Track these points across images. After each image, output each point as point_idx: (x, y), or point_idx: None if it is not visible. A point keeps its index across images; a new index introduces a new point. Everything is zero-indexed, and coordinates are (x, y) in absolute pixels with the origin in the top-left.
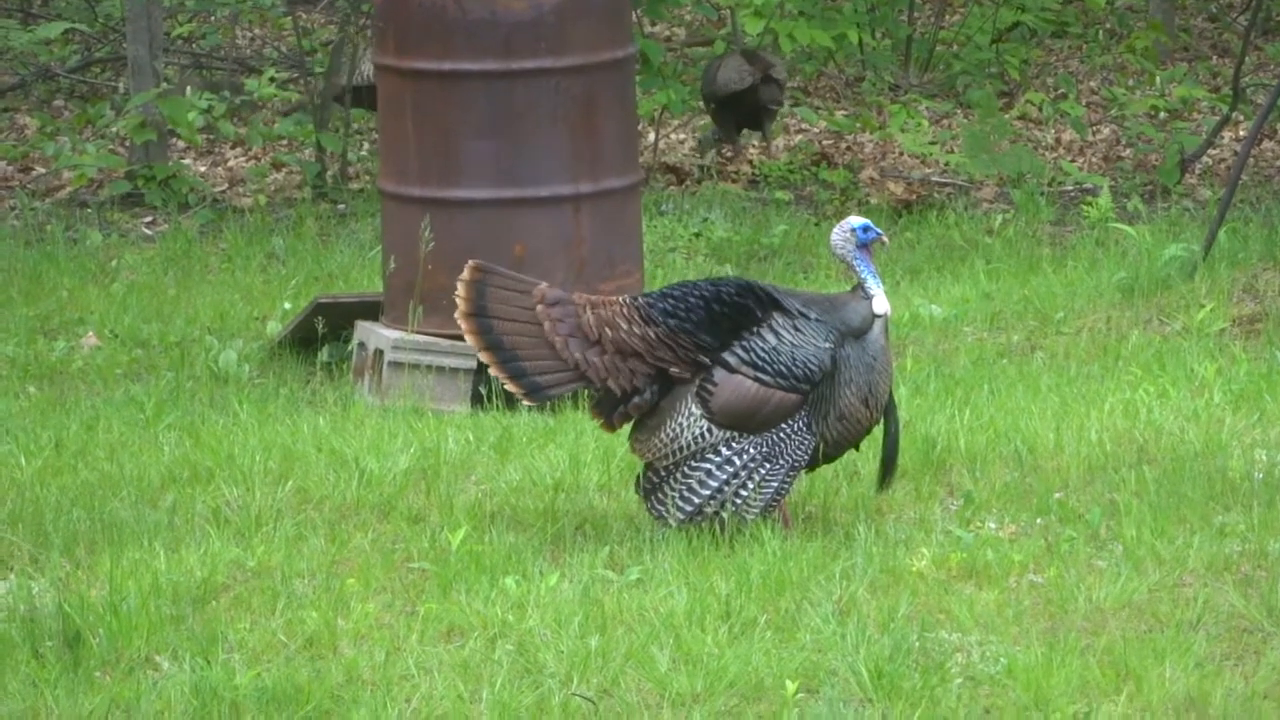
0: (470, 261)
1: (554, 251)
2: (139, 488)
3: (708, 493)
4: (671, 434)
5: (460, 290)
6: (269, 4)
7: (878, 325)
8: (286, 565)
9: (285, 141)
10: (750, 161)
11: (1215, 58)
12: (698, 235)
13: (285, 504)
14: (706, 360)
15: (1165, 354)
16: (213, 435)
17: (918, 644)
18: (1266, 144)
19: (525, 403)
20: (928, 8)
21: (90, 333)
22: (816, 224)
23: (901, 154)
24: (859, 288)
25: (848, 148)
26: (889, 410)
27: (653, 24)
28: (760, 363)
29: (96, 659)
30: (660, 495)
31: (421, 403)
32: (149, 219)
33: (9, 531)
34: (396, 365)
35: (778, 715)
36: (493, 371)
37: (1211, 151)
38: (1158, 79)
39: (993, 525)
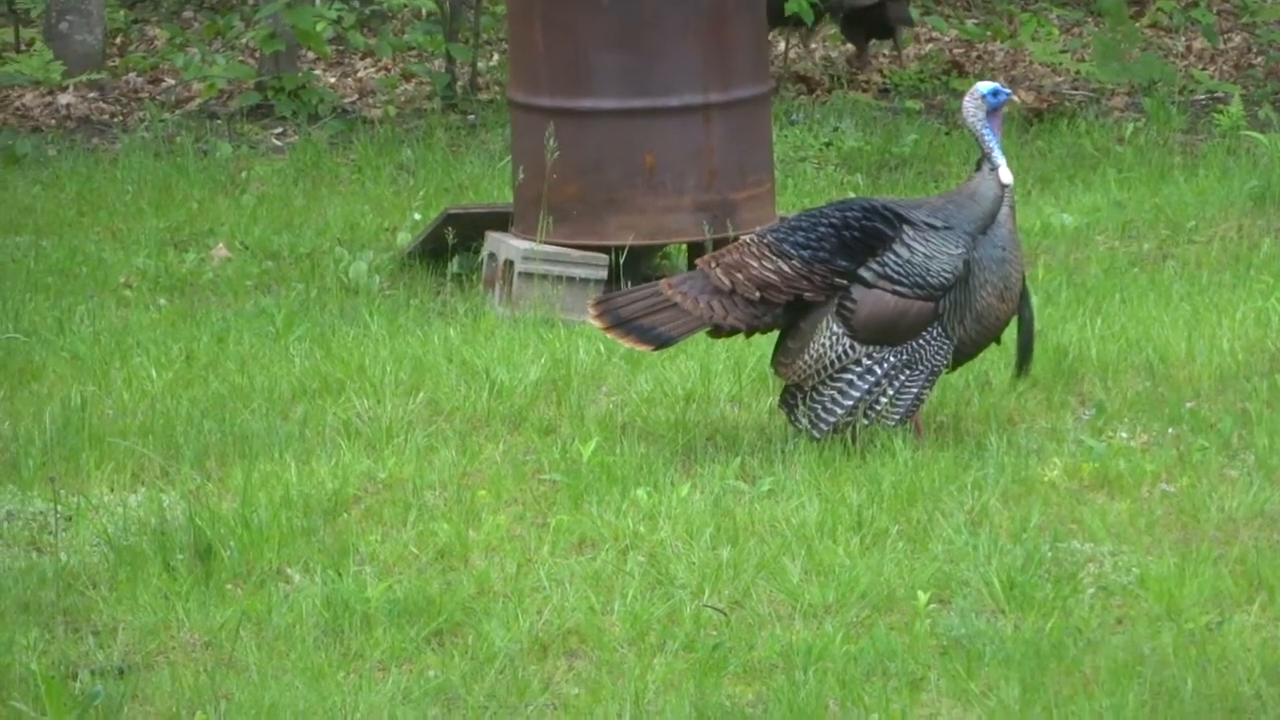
0: (589, 302)
1: (684, 161)
2: (269, 400)
3: (850, 403)
4: (816, 354)
5: (594, 323)
6: None
7: (1005, 208)
8: (417, 477)
9: (415, 52)
10: (880, 71)
11: None
12: (828, 145)
13: (416, 415)
14: (844, 283)
15: None
16: (343, 347)
17: (1050, 554)
18: None
19: (651, 352)
20: None
21: (220, 244)
22: (947, 133)
23: (1032, 63)
24: (984, 160)
25: (978, 56)
26: (1023, 297)
27: None
28: (896, 275)
29: (228, 571)
30: (803, 408)
31: (552, 313)
32: (278, 130)
33: (140, 444)
34: (527, 276)
35: (910, 626)
36: (623, 342)
37: None
38: None
39: (1124, 435)
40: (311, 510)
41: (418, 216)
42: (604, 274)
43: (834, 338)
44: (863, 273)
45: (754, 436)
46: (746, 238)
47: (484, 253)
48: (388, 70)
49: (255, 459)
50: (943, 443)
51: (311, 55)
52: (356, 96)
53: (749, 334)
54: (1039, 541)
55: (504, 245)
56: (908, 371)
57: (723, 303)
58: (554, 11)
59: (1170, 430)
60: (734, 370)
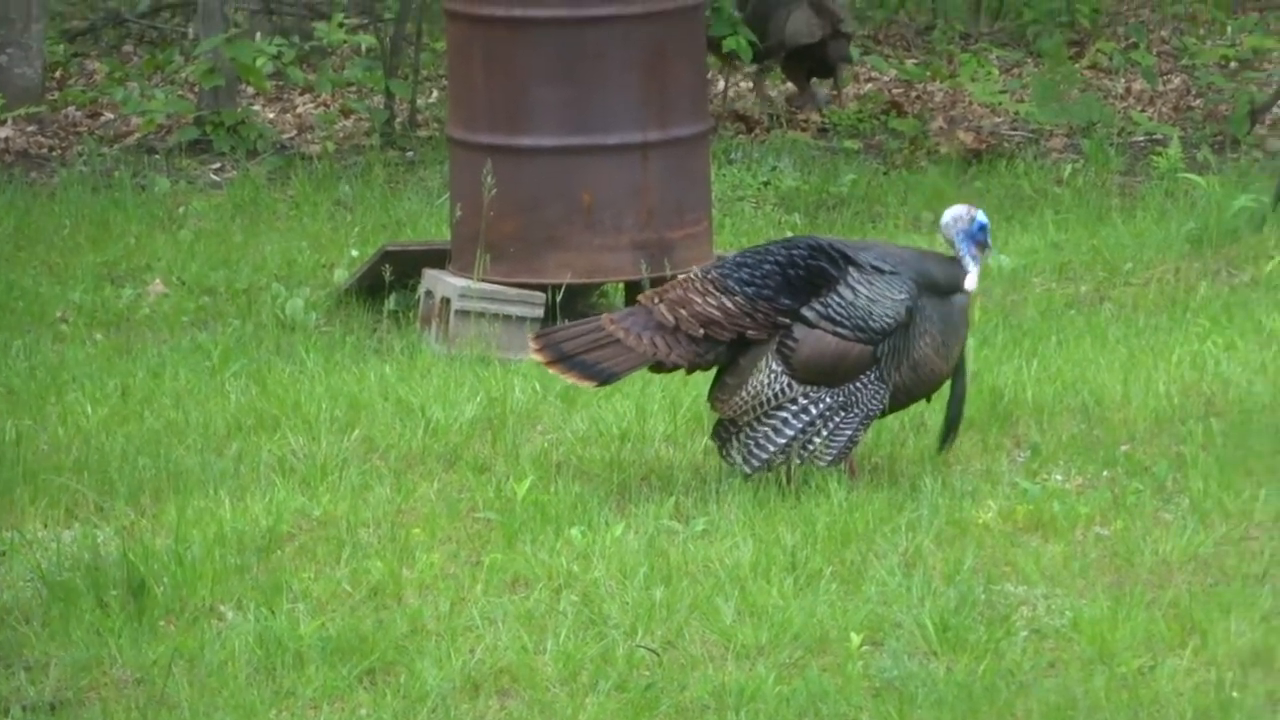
0: (529, 337)
1: (622, 199)
2: (205, 435)
3: (783, 441)
4: (753, 390)
5: (536, 358)
6: None
7: (961, 297)
8: (352, 514)
9: (354, 88)
10: (819, 110)
11: None
12: (766, 184)
13: (351, 453)
14: (786, 321)
15: (1233, 305)
16: (279, 383)
17: (983, 596)
18: None
19: (595, 389)
20: None
21: (157, 279)
22: (885, 173)
23: (971, 103)
24: (957, 260)
25: (918, 96)
26: (958, 370)
27: None
28: (838, 317)
29: (161, 608)
30: (735, 443)
31: (488, 351)
32: (217, 165)
33: (75, 479)
34: (463, 313)
35: (842, 667)
36: (566, 379)
37: None
38: (1229, 28)
39: (1059, 477)
40: (245, 547)
41: (355, 253)
42: (541, 312)
43: (772, 375)
44: (805, 312)
45: (688, 476)
46: (691, 274)
47: (421, 290)
48: (327, 106)
49: (189, 495)
50: (877, 484)
51: (251, 90)
52: (295, 132)
53: (690, 371)
54: (972, 584)
55: (441, 282)
56: (843, 413)
57: (666, 339)
58: (494, 48)
59: (1105, 473)
60: (669, 410)
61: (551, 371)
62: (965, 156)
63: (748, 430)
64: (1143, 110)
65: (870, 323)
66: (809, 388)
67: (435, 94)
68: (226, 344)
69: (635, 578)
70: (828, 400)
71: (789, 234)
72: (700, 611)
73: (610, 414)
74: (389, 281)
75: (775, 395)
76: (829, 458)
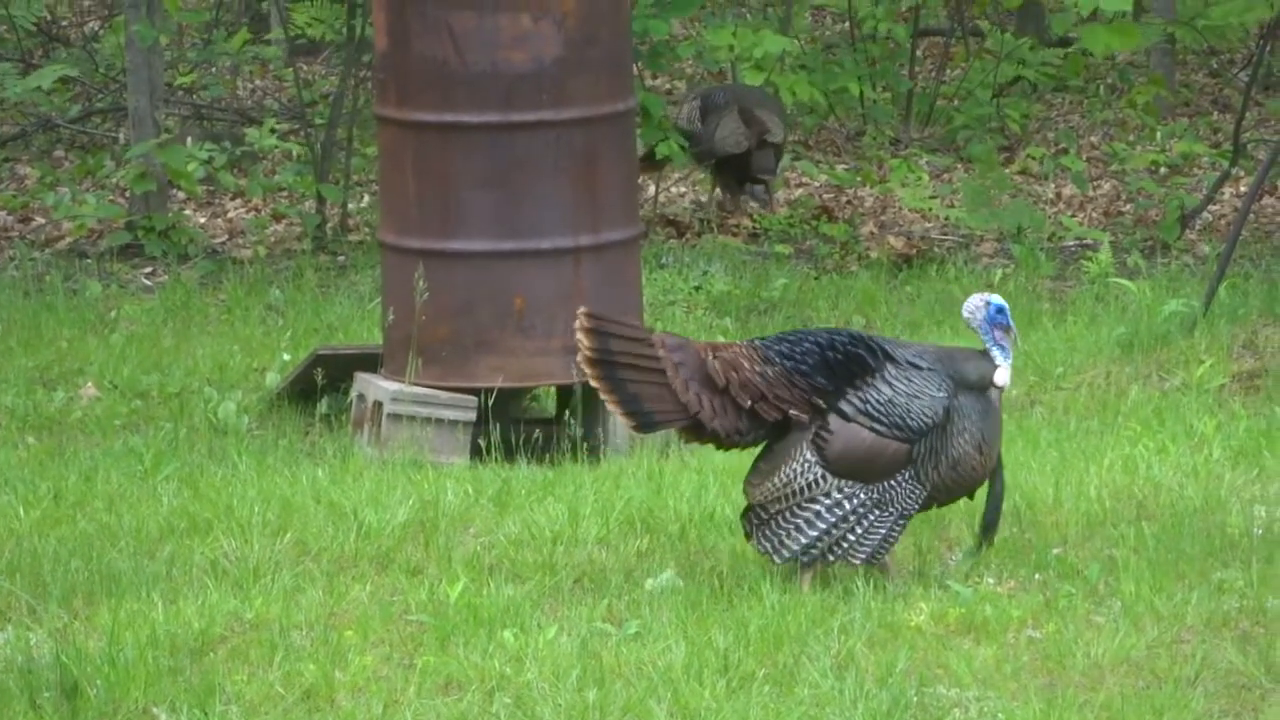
0: (582, 309)
1: (554, 304)
2: (137, 539)
3: (815, 534)
4: (786, 478)
5: (582, 338)
6: (270, 55)
7: (994, 392)
8: (284, 617)
9: (285, 193)
10: (750, 215)
11: (1216, 113)
12: (698, 289)
13: (283, 555)
14: (822, 404)
15: (1165, 409)
16: (211, 486)
17: (916, 699)
18: (1267, 200)
19: (634, 433)
20: (929, 62)
21: (89, 383)
22: (816, 278)
23: (902, 208)
24: (986, 354)
25: (848, 201)
26: (995, 471)
27: (654, 77)
28: (875, 413)
29: (94, 710)
30: (767, 531)
31: (420, 455)
32: (148, 270)
33: (7, 581)
34: (395, 417)
35: None
36: (611, 408)
37: (1212, 207)
38: (1158, 134)
39: (991, 580)
40: (178, 649)
41: (287, 357)
42: (473, 415)
43: (806, 465)
44: (843, 405)
45: (621, 579)
46: (742, 342)
47: (353, 393)
48: (258, 211)
49: (122, 598)
50: (810, 586)
51: (182, 195)
52: (227, 237)
53: (721, 445)
54: (905, 686)
55: (373, 386)
56: (877, 511)
57: (714, 402)
58: (425, 153)
59: (1037, 576)
60: (601, 513)
61: (589, 373)
62: (896, 261)
63: (779, 519)
64: (1073, 215)
65: (908, 420)
66: (843, 481)
67: (366, 198)
68: (159, 447)
69: (568, 680)
70: (861, 496)
71: (720, 338)
72: (633, 714)
73: (543, 517)
74: (321, 385)
75: (807, 486)
76: (862, 556)
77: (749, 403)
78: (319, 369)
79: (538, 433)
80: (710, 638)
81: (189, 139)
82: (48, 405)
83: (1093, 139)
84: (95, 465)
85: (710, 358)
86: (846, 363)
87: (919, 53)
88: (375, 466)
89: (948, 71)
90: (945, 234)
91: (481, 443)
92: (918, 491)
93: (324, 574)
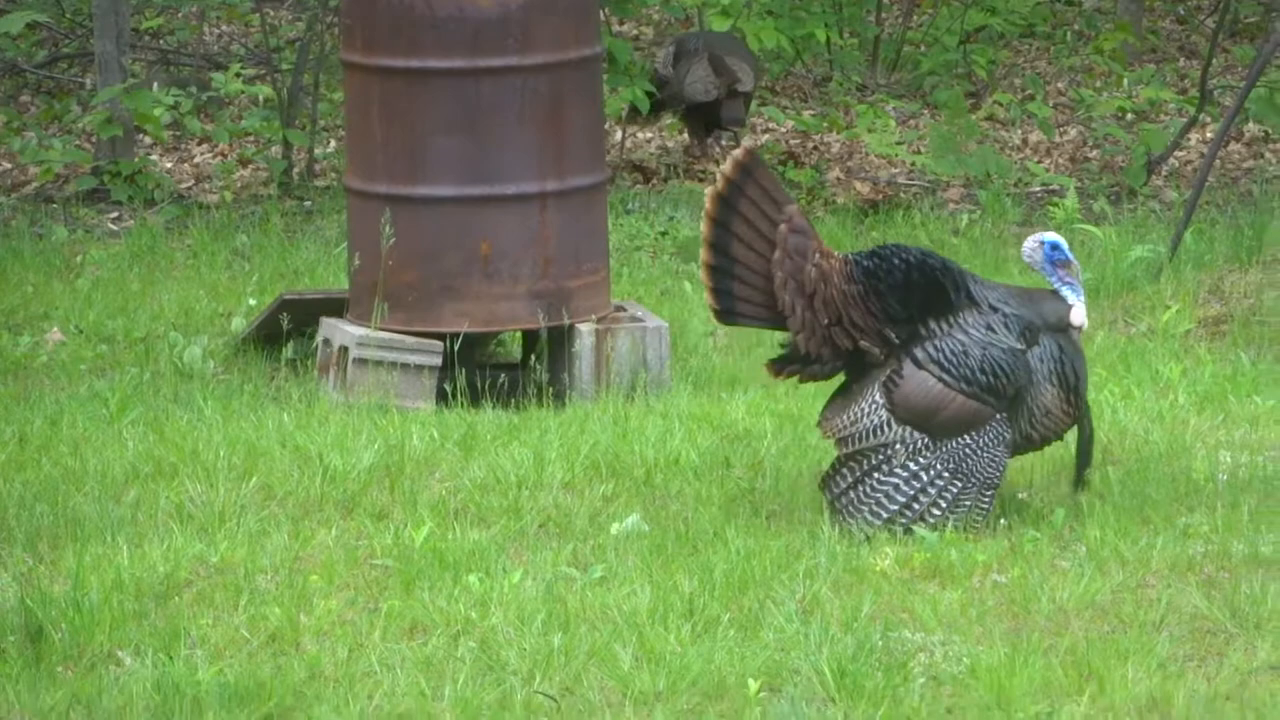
0: (745, 145)
1: (520, 249)
2: (102, 483)
3: (895, 507)
4: (854, 416)
5: (727, 168)
6: (237, 0)
7: (1074, 332)
8: (249, 561)
9: (252, 138)
10: (717, 161)
11: (1183, 60)
12: (664, 234)
13: (248, 500)
14: (893, 336)
15: (1130, 355)
16: (177, 431)
17: (881, 643)
18: (1233, 146)
19: (712, 319)
20: (896, 8)
21: (55, 328)
22: None
23: (868, 154)
24: (1056, 293)
25: (814, 147)
26: (1084, 413)
27: (620, 23)
28: (947, 362)
29: (59, 654)
30: (848, 501)
31: (386, 399)
32: (115, 215)
33: None
34: (361, 362)
35: (740, 714)
36: (701, 275)
37: (1178, 153)
38: (1125, 80)
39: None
40: (143, 593)
41: (253, 302)
42: (439, 360)
43: (874, 406)
44: (917, 351)
45: (586, 524)
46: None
47: (319, 338)
48: (224, 156)
49: (87, 542)
50: (775, 531)
51: (148, 140)
52: (193, 182)
53: (804, 368)
54: (870, 630)
55: (339, 331)
56: (958, 484)
57: (803, 312)
58: (392, 98)
59: (1002, 521)
60: (567, 457)
61: (708, 205)
62: (862, 207)
63: (863, 491)
64: (1039, 161)
65: (979, 375)
66: (912, 441)
67: (333, 144)
68: (124, 392)
69: (533, 624)
70: (938, 467)
71: (687, 284)
72: (598, 658)
73: (508, 461)
74: (287, 330)
75: (872, 428)
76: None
77: (826, 321)
78: (285, 314)
79: (503, 377)
80: (675, 582)
81: (155, 84)
82: (13, 350)
83: (1059, 85)
84: (61, 410)
85: (812, 263)
86: (927, 288)
87: None
88: (341, 411)
89: (915, 17)
90: (912, 180)
91: (447, 387)
92: (998, 458)
93: (289, 518)
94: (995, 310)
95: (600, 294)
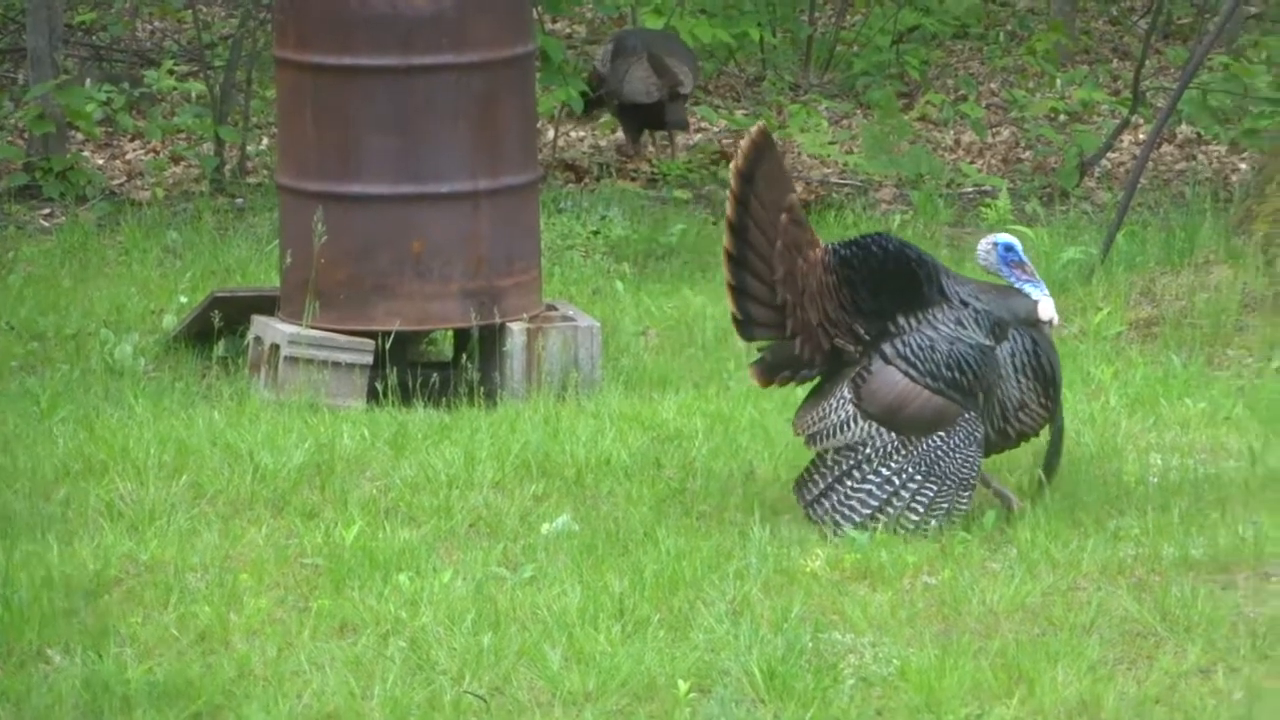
0: (760, 123)
1: (452, 248)
2: (32, 480)
3: (869, 512)
4: (822, 412)
5: (745, 145)
6: None
7: (1045, 328)
8: (179, 559)
9: (184, 135)
10: (649, 160)
11: (1116, 61)
12: (596, 233)
13: (179, 498)
14: (863, 331)
15: (1062, 357)
16: (107, 428)
17: (811, 644)
18: (1165, 148)
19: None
20: (829, 7)
21: None
22: (714, 223)
23: (801, 154)
24: (1018, 292)
25: None
26: (1055, 409)
27: (553, 21)
28: (914, 358)
29: None
30: (822, 509)
31: (317, 398)
32: (46, 211)
33: None
34: (292, 360)
35: (670, 715)
36: (725, 270)
37: (1110, 154)
38: (1058, 81)
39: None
40: (73, 591)
41: (184, 299)
42: (370, 359)
43: (841, 401)
44: (885, 347)
45: (516, 523)
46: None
47: (250, 336)
48: (156, 153)
49: (17, 539)
50: (706, 531)
51: (80, 136)
52: (125, 179)
53: (795, 373)
54: (800, 631)
55: (270, 329)
56: (933, 485)
57: (803, 310)
58: (324, 96)
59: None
60: (498, 457)
61: (732, 184)
62: None
63: (836, 497)
64: (972, 162)
65: (943, 371)
66: (873, 426)
67: (265, 141)
68: (55, 389)
69: (463, 624)
70: (910, 470)
71: (619, 284)
72: (528, 658)
73: (439, 460)
74: (218, 328)
75: (840, 424)
76: (939, 525)
77: (815, 320)
78: (216, 311)
79: (434, 376)
80: (606, 582)
81: (88, 80)
82: None
83: (992, 86)
84: None
85: (805, 254)
86: (900, 279)
87: None
88: (272, 409)
89: (848, 17)
90: (844, 180)
91: (378, 386)
92: (971, 457)
93: (219, 516)
94: (966, 305)
95: (532, 293)
